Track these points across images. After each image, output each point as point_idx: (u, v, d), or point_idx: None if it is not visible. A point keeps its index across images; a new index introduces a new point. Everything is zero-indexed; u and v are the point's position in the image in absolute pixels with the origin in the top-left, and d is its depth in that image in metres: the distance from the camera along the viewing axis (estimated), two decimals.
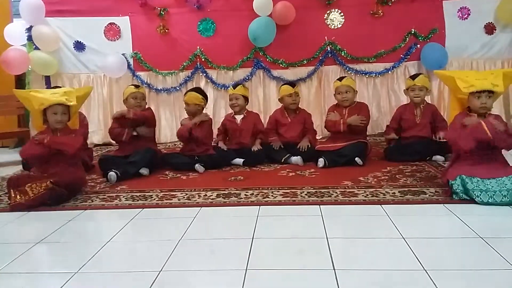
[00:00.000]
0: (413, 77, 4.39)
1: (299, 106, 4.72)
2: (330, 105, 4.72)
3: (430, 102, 4.97)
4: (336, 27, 5.73)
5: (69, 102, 3.40)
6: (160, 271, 2.06)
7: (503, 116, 5.52)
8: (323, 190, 3.27)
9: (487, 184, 2.84)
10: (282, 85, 4.76)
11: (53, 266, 2.27)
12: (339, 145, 4.18)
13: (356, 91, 4.48)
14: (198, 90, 4.51)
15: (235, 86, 4.65)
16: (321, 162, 4.03)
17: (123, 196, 3.36)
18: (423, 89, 4.28)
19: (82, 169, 3.65)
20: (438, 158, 4.10)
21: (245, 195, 3.26)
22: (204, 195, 3.29)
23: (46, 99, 3.36)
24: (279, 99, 4.70)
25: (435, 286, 1.82)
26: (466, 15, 5.58)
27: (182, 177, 3.93)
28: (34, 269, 2.22)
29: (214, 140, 4.63)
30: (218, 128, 4.72)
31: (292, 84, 4.69)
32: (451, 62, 5.59)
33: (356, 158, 4.03)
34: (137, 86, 4.53)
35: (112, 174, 3.75)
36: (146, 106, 4.50)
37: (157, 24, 5.77)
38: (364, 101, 5.51)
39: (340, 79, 4.47)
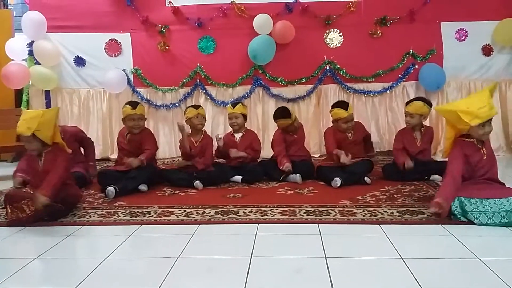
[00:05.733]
0: (408, 103, 4.32)
1: (300, 122, 4.70)
2: (328, 122, 4.71)
3: (428, 124, 4.92)
4: (335, 47, 5.79)
5: (27, 132, 3.19)
6: None
7: (502, 137, 5.58)
8: (321, 209, 3.27)
9: (486, 205, 2.84)
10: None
11: (51, 283, 2.25)
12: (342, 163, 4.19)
13: None
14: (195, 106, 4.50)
15: (234, 104, 4.60)
16: (337, 181, 3.93)
17: (121, 212, 3.35)
18: (414, 116, 4.20)
19: (75, 185, 3.62)
20: (436, 177, 4.09)
21: (243, 212, 3.25)
22: (202, 212, 3.29)
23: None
24: None
25: None
26: (464, 37, 5.66)
27: (180, 193, 3.93)
28: (31, 285, 2.20)
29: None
30: None
31: (284, 113, 4.46)
32: (449, 82, 5.66)
33: (366, 178, 4.04)
34: (134, 105, 4.27)
35: (110, 189, 3.74)
36: (145, 125, 4.43)
37: (157, 41, 5.82)
38: (363, 120, 5.55)
39: (345, 107, 4.30)
